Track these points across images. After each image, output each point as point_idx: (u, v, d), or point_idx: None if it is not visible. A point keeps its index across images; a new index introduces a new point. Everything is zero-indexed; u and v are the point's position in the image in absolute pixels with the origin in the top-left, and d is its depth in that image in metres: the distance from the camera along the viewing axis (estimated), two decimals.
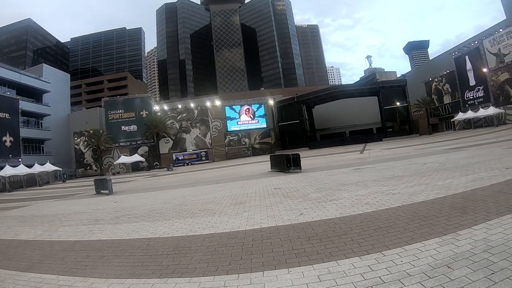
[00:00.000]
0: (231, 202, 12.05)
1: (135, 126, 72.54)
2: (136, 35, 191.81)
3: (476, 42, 65.37)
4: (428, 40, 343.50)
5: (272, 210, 9.59)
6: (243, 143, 78.07)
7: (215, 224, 8.61)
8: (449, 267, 4.31)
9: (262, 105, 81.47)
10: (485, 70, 61.89)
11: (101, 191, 23.70)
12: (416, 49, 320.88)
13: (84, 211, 14.76)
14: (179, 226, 8.89)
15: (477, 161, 15.03)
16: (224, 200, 12.77)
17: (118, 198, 18.85)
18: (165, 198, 16.23)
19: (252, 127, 79.48)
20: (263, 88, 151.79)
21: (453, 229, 5.76)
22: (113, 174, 65.04)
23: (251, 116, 79.90)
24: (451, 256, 4.64)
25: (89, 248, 7.72)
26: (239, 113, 79.21)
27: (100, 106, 77.30)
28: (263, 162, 33.32)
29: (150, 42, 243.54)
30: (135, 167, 68.44)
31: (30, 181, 52.97)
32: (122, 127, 72.36)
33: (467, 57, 67.54)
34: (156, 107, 76.74)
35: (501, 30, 59.04)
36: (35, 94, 70.15)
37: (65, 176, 61.50)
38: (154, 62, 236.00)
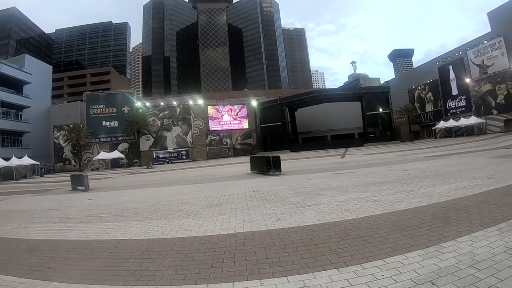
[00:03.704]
0: (207, 203, 11.67)
1: (116, 122, 71.39)
2: (121, 30, 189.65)
3: (460, 53, 66.53)
4: (413, 49, 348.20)
5: (248, 214, 9.23)
6: (225, 143, 77.52)
7: (188, 227, 8.22)
8: (433, 284, 4.02)
9: (245, 106, 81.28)
10: (468, 80, 62.92)
11: (78, 188, 23.04)
12: (400, 57, 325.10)
13: (57, 208, 14.23)
14: (151, 228, 8.48)
15: (458, 170, 14.95)
16: (200, 201, 12.39)
17: (94, 195, 18.32)
18: (141, 197, 15.80)
19: (234, 128, 79.02)
20: (246, 89, 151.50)
21: (437, 241, 5.48)
22: (92, 170, 63.85)
23: (234, 116, 79.52)
24: (435, 271, 4.34)
25: (56, 249, 7.25)
26: (221, 113, 78.73)
27: (82, 100, 75.65)
28: (244, 163, 33.00)
29: (136, 38, 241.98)
30: (114, 164, 67.31)
31: (7, 174, 51.68)
32: (103, 122, 71.12)
33: (450, 67, 68.61)
34: (138, 104, 75.69)
35: (485, 42, 60.30)
36: (15, 85, 68.47)
37: (43, 171, 60.30)
38: (138, 58, 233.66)
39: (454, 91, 68.40)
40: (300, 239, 6.29)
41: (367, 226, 6.77)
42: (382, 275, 4.39)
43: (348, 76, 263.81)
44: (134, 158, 70.84)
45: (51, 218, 11.56)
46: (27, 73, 72.23)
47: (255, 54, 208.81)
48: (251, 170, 25.22)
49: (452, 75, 68.70)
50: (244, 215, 9.12)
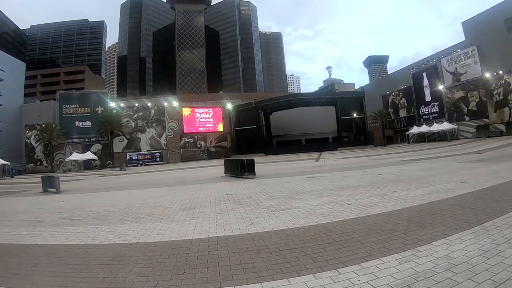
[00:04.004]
0: (180, 207, 11.40)
1: (90, 122, 69.98)
2: (98, 29, 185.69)
3: (434, 60, 68.35)
4: (388, 56, 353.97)
5: (222, 217, 9.02)
6: (199, 145, 77.11)
7: (161, 231, 7.94)
8: None
9: (220, 109, 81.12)
10: (441, 87, 64.31)
11: (49, 189, 22.36)
12: (375, 63, 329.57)
13: (26, 211, 13.70)
14: (123, 232, 8.15)
15: (432, 174, 15.11)
16: (173, 204, 12.11)
17: (65, 198, 17.72)
18: (113, 199, 15.39)
19: (208, 130, 78.74)
20: (222, 92, 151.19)
21: (413, 245, 5.41)
22: (64, 171, 62.50)
23: (209, 119, 79.17)
24: (412, 276, 4.25)
25: (24, 254, 6.85)
26: (196, 115, 78.31)
27: (55, 99, 73.89)
28: (218, 166, 32.81)
29: (112, 37, 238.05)
30: (87, 165, 65.88)
31: None
32: (76, 122, 69.56)
33: (424, 74, 70.23)
34: (112, 104, 74.40)
35: (459, 50, 62.22)
36: None
37: (13, 171, 58.41)
38: (114, 57, 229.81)
39: (428, 98, 69.90)
40: (274, 244, 6.12)
41: (342, 230, 6.65)
42: (359, 280, 4.26)
43: (324, 81, 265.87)
44: (107, 159, 69.58)
45: (20, 221, 11.05)
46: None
47: (232, 57, 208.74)
48: (225, 173, 25.06)
49: (426, 82, 70.22)
50: (217, 219, 8.90)
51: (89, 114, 70.42)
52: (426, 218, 7.12)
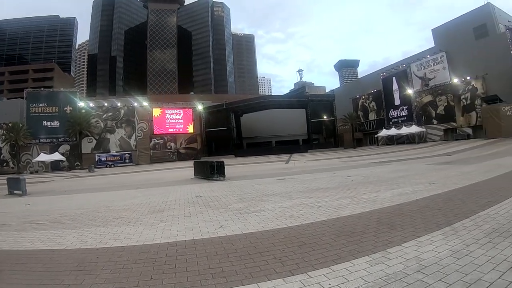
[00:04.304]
0: (148, 210, 11.12)
1: (58, 122, 67.76)
2: (69, 25, 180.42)
3: (404, 65, 69.94)
4: (359, 60, 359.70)
5: (190, 220, 8.81)
6: (169, 147, 76.19)
7: (128, 235, 7.67)
8: None
9: (191, 110, 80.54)
10: (410, 91, 65.53)
11: (15, 192, 21.61)
12: (346, 67, 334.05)
13: None
14: (89, 236, 7.83)
15: (401, 176, 15.29)
16: (142, 207, 11.81)
17: (31, 200, 17.12)
18: (81, 202, 14.92)
19: (178, 132, 78.05)
20: (193, 93, 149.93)
21: (383, 247, 5.38)
22: (31, 173, 60.50)
23: (179, 120, 78.53)
24: (383, 278, 4.19)
25: None
26: (166, 116, 77.57)
27: (22, 98, 71.46)
28: (188, 168, 32.39)
29: (83, 34, 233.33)
30: (55, 167, 63.89)
31: None
32: (43, 122, 67.27)
33: (394, 78, 71.60)
34: (81, 104, 72.41)
35: (428, 56, 64.05)
36: None
37: None
38: (84, 55, 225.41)
39: (397, 101, 71.21)
40: (243, 247, 5.97)
41: (312, 233, 6.56)
42: (329, 284, 4.17)
43: (295, 84, 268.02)
44: (75, 161, 67.72)
45: None
46: None
47: (203, 58, 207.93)
48: (194, 175, 24.77)
49: (395, 86, 71.56)
50: (186, 222, 8.69)
51: (57, 114, 68.30)
52: (395, 219, 7.12)
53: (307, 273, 4.57)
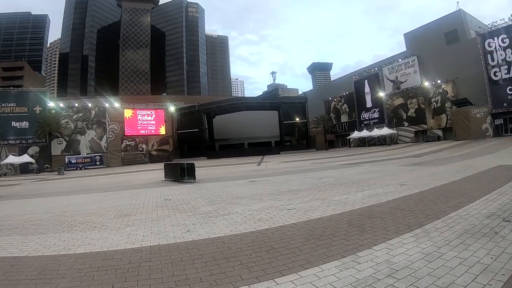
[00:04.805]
0: (115, 214, 10.78)
1: (27, 122, 65.68)
2: (40, 23, 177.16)
3: (376, 69, 71.24)
4: (331, 63, 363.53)
5: (157, 225, 8.54)
6: (140, 149, 75.40)
7: (92, 240, 7.32)
8: None
9: (163, 111, 79.92)
10: (382, 94, 66.54)
11: None
12: (319, 70, 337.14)
13: None
14: (53, 242, 7.44)
15: (372, 177, 15.32)
16: (109, 211, 11.45)
17: None
18: (48, 206, 14.33)
19: (150, 133, 77.35)
20: (165, 94, 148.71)
21: (353, 250, 5.21)
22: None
23: (151, 121, 77.78)
24: (353, 284, 4.01)
25: None
26: (138, 117, 76.62)
27: None
28: (159, 170, 31.95)
29: (55, 32, 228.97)
30: (23, 169, 62.04)
31: None
32: (12, 122, 65.14)
33: (366, 81, 72.83)
34: (51, 104, 70.61)
35: (400, 60, 65.25)
36: None
37: None
38: (55, 54, 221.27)
39: (369, 104, 72.32)
40: (210, 253, 5.74)
41: (280, 237, 6.36)
42: None
43: (268, 86, 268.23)
44: (45, 163, 66.06)
45: None
46: None
47: (177, 59, 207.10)
48: (165, 177, 24.47)
49: (367, 88, 72.71)
50: (153, 226, 8.42)
51: (26, 114, 66.22)
52: (366, 221, 6.98)
53: (274, 279, 4.35)
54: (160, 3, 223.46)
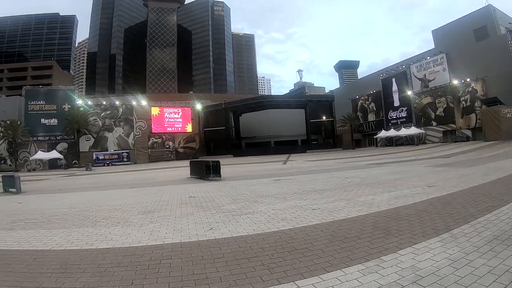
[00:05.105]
0: (139, 210, 10.86)
1: (56, 120, 67.76)
2: (68, 23, 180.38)
3: (403, 67, 69.94)
4: (359, 61, 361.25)
5: (180, 222, 8.54)
6: (167, 146, 76.07)
7: (115, 236, 7.41)
8: None
9: (190, 109, 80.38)
10: (409, 92, 65.43)
11: (9, 190, 21.36)
12: (346, 68, 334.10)
13: None
14: (76, 237, 7.57)
15: (399, 178, 15.03)
16: (133, 207, 11.55)
17: (24, 199, 16.82)
18: (73, 201, 14.57)
19: (177, 131, 77.94)
20: (192, 92, 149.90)
21: (377, 254, 5.05)
22: (29, 170, 60.56)
23: (177, 119, 78.40)
24: None
25: None
26: (165, 115, 77.40)
27: (21, 95, 71.34)
28: (185, 167, 32.06)
29: (83, 32, 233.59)
30: (52, 165, 63.76)
31: None
32: (41, 120, 67.28)
33: (394, 79, 71.50)
34: (79, 102, 72.35)
35: (428, 57, 63.97)
36: None
37: None
38: (84, 54, 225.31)
39: (396, 103, 71.17)
40: (231, 252, 5.70)
41: (304, 237, 6.26)
42: None
43: (294, 84, 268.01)
44: (73, 159, 67.61)
45: None
46: None
47: (203, 57, 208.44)
48: (190, 174, 24.53)
49: (394, 87, 71.50)
50: (176, 223, 8.43)
51: (55, 112, 68.24)
52: (392, 224, 6.81)
53: (295, 282, 4.27)
54: (186, 2, 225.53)
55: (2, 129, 63.26)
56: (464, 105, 57.33)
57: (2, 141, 63.43)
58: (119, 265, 5.40)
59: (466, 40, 56.69)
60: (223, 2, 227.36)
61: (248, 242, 6.25)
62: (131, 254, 6.01)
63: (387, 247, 5.38)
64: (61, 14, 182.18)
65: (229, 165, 36.36)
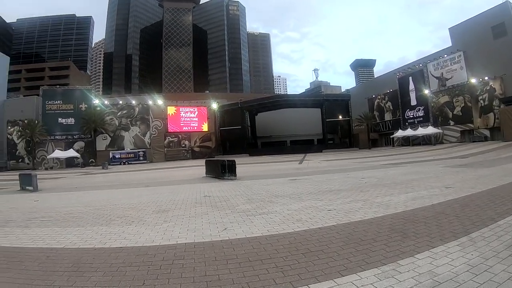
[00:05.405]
0: (154, 209, 10.90)
1: (73, 119, 68.88)
2: (85, 24, 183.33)
3: (420, 65, 69.07)
4: (375, 60, 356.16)
5: (195, 222, 8.52)
6: (183, 145, 76.56)
7: (129, 235, 7.44)
8: None
9: (206, 108, 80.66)
10: (427, 91, 64.61)
11: (27, 187, 21.60)
12: (362, 67, 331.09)
13: None
14: (90, 235, 7.63)
15: (416, 178, 14.84)
16: (148, 206, 11.60)
17: (41, 197, 17.10)
18: (89, 200, 14.78)
19: (193, 130, 78.33)
20: (208, 91, 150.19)
21: (394, 258, 4.95)
22: (46, 169, 61.46)
23: (193, 118, 78.75)
24: None
25: None
26: (181, 114, 77.85)
27: (38, 95, 72.40)
28: (200, 166, 32.14)
29: (99, 33, 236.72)
30: (69, 163, 64.64)
31: None
32: (59, 119, 68.43)
33: (410, 78, 70.72)
34: (96, 101, 73.28)
35: (445, 55, 62.97)
36: None
37: None
38: (100, 54, 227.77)
39: (413, 102, 70.38)
40: (245, 253, 5.64)
41: (319, 239, 6.18)
42: None
43: (310, 83, 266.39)
44: (90, 157, 68.48)
45: None
46: None
47: (219, 57, 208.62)
48: (206, 174, 24.58)
49: (411, 86, 70.72)
50: (190, 223, 8.41)
51: (72, 111, 69.34)
52: (409, 226, 6.69)
53: (309, 285, 4.21)
54: (201, 2, 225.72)
55: (20, 128, 64.47)
56: (482, 104, 56.39)
57: (20, 140, 64.69)
58: (131, 265, 5.41)
59: (484, 37, 55.58)
60: (238, 1, 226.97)
61: (262, 243, 6.19)
62: (143, 253, 6.01)
63: (404, 250, 5.27)
64: (77, 16, 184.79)
65: (245, 165, 36.32)
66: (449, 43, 65.87)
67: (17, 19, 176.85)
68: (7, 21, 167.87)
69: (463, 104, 59.64)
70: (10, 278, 5.06)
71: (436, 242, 5.57)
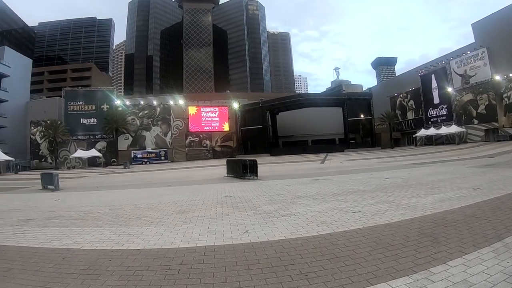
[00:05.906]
0: (174, 209, 10.81)
1: (95, 119, 69.84)
2: (106, 26, 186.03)
3: (443, 62, 67.74)
4: (396, 58, 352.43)
5: (215, 223, 8.38)
6: (204, 145, 76.80)
7: (147, 236, 7.33)
8: None
9: (227, 108, 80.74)
10: (450, 89, 63.53)
11: (48, 187, 21.87)
12: (383, 65, 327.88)
13: (19, 208, 13.21)
14: (108, 236, 7.57)
15: (442, 179, 14.43)
16: (168, 206, 11.54)
17: (62, 196, 17.27)
18: (109, 199, 14.88)
19: (214, 130, 78.46)
20: (229, 91, 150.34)
21: (425, 265, 4.67)
22: (68, 168, 62.63)
23: (214, 118, 78.88)
24: None
25: (1, 256, 6.32)
26: (202, 114, 78.00)
27: (61, 96, 73.97)
28: (222, 166, 32.04)
29: (120, 35, 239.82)
30: (91, 163, 65.77)
31: None
32: (81, 119, 69.52)
33: (433, 76, 69.57)
34: (117, 102, 74.22)
35: (468, 52, 61.56)
36: None
37: (17, 167, 57.80)
38: (121, 55, 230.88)
39: (436, 100, 69.26)
40: (267, 258, 5.44)
41: (345, 243, 5.95)
42: None
43: (331, 82, 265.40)
44: (112, 157, 69.45)
45: (8, 220, 10.57)
46: (6, 65, 70.29)
47: (239, 57, 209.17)
48: (227, 173, 24.52)
49: (434, 84, 69.59)
50: (210, 224, 8.27)
51: (94, 112, 70.36)
52: (439, 230, 6.39)
53: None
54: (220, 3, 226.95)
55: (43, 128, 65.62)
56: (507, 102, 54.97)
57: (43, 140, 65.99)
58: (148, 269, 5.30)
59: (508, 32, 53.95)
60: (257, 1, 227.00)
61: (285, 247, 5.99)
62: (161, 256, 5.90)
63: (436, 257, 4.99)
64: (98, 18, 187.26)
65: (266, 164, 36.20)
66: (471, 40, 64.60)
67: (39, 23, 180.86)
68: (29, 25, 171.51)
69: (487, 102, 58.30)
70: (24, 280, 5.00)
71: (469, 248, 5.28)
